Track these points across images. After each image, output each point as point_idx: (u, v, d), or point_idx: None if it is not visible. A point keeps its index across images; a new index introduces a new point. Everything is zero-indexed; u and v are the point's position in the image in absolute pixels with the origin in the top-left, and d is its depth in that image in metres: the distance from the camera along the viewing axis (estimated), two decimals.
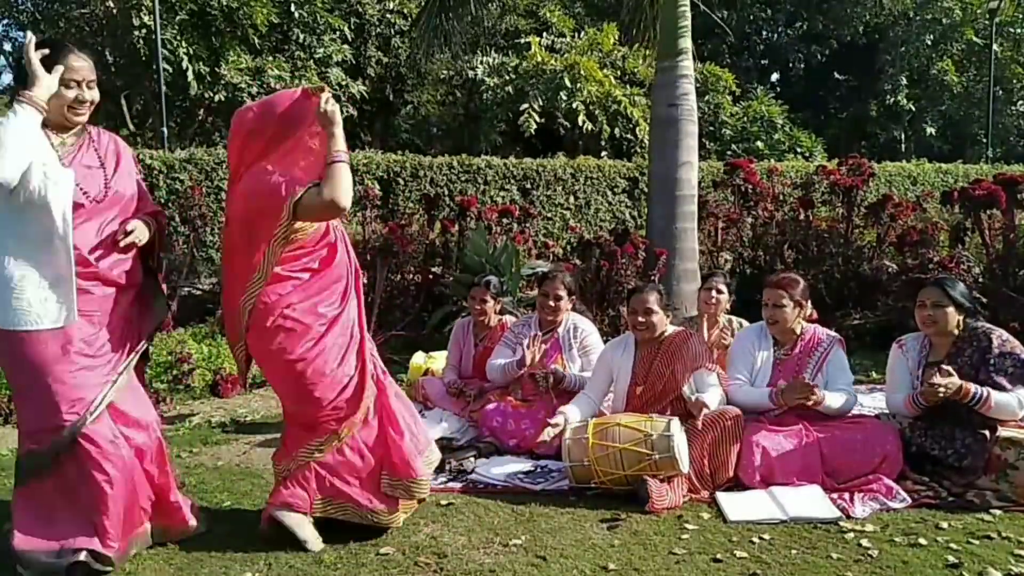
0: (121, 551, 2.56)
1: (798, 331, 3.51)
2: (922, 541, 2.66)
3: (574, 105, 12.16)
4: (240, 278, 2.65)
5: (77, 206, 2.50)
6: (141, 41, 11.02)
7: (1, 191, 2.38)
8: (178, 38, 11.07)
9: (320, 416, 2.70)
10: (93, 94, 2.57)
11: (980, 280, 5.99)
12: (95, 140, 2.67)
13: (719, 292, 4.31)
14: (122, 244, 2.57)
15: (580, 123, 12.20)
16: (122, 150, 2.73)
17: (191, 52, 11.16)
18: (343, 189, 2.56)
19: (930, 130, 21.36)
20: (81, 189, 2.52)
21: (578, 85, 12.34)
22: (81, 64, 2.53)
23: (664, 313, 3.57)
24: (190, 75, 11.14)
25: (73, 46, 2.57)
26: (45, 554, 2.48)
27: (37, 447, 2.50)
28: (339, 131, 2.63)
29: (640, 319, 3.54)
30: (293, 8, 12.27)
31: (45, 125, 2.51)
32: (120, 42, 11.77)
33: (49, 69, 2.45)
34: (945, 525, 2.80)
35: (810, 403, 3.27)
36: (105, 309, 2.58)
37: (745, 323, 4.34)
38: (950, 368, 3.09)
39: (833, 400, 3.33)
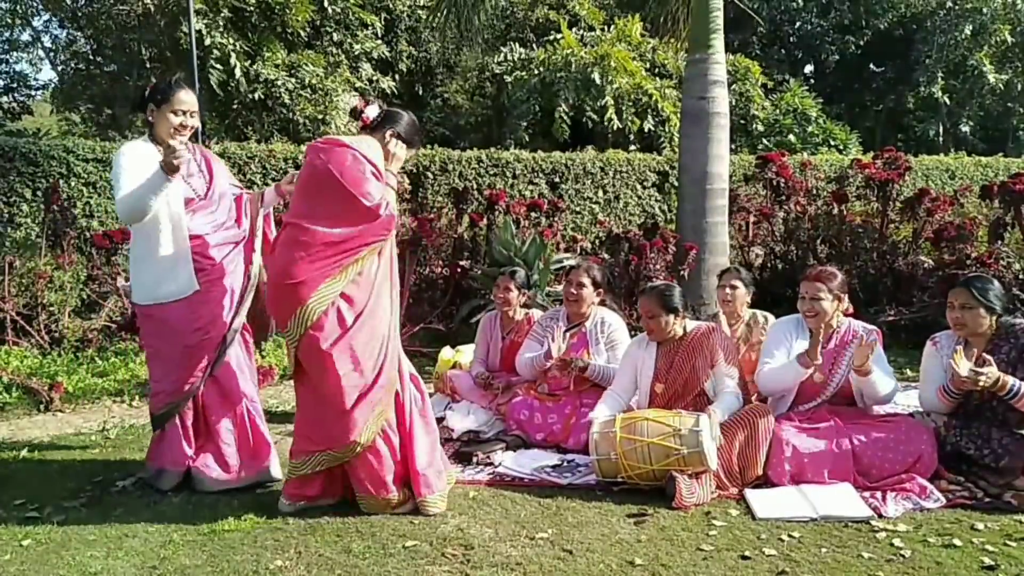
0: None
1: (834, 325, 3.47)
2: (957, 542, 2.62)
3: (605, 102, 12.07)
4: None
5: (187, 201, 3.20)
6: (188, 38, 11.17)
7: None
8: (225, 35, 11.18)
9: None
10: (195, 122, 3.24)
11: (1021, 277, 5.85)
12: (191, 152, 3.31)
13: (733, 288, 4.24)
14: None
15: (609, 119, 12.11)
16: (212, 160, 3.41)
17: (238, 49, 11.28)
18: None
19: (965, 129, 20.76)
20: (191, 187, 3.25)
21: (609, 78, 12.24)
22: (187, 98, 3.20)
23: (670, 315, 3.52)
24: (238, 73, 11.27)
25: (183, 83, 3.26)
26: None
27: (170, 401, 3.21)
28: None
29: (643, 322, 3.57)
30: (327, 4, 12.34)
31: (156, 143, 3.19)
32: (159, 40, 11.94)
33: (162, 102, 3.17)
34: (981, 526, 2.75)
35: (861, 370, 3.21)
36: (217, 287, 3.21)
37: (770, 317, 4.29)
38: (990, 358, 3.02)
39: (880, 380, 3.27)
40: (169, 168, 3.00)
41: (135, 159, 3.11)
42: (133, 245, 3.25)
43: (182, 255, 3.16)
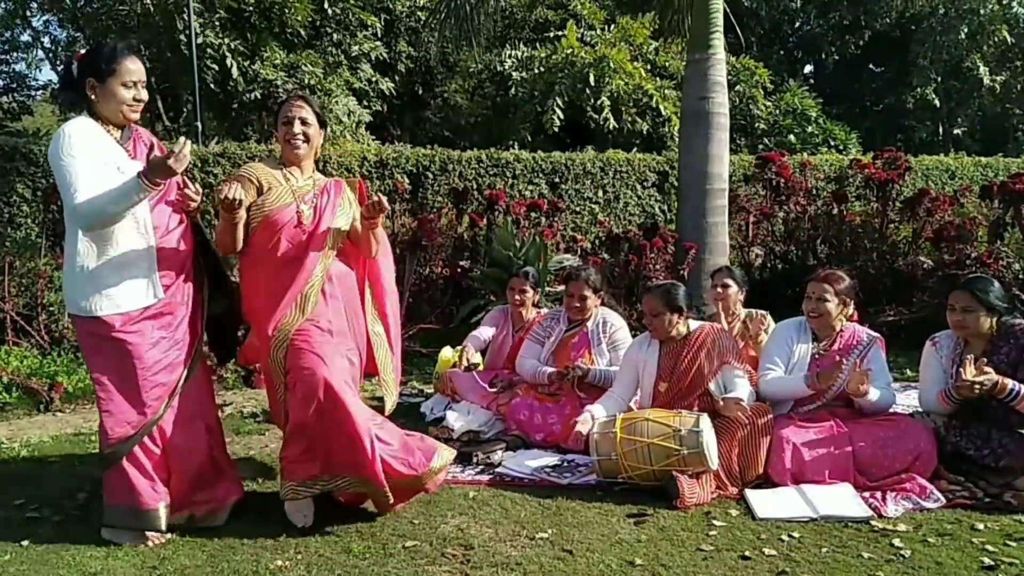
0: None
1: (838, 328, 3.46)
2: (957, 542, 2.61)
3: (599, 101, 12.08)
4: None
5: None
6: (184, 38, 11.18)
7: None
8: (220, 36, 11.18)
9: None
10: (145, 94, 2.77)
11: (1021, 276, 5.85)
12: (140, 135, 2.89)
13: (725, 287, 4.27)
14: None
15: (604, 118, 12.12)
16: (155, 142, 2.95)
17: (234, 48, 11.27)
18: None
19: (958, 132, 20.75)
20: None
21: (604, 79, 12.25)
22: (137, 67, 2.74)
23: (674, 314, 3.51)
24: (235, 72, 11.25)
25: (127, 49, 2.74)
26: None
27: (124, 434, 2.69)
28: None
29: (646, 320, 3.58)
30: (327, 5, 12.34)
31: (105, 122, 2.74)
32: (158, 39, 11.94)
33: (107, 74, 2.68)
34: (981, 526, 2.75)
35: (856, 393, 3.20)
36: (176, 292, 2.78)
37: (768, 315, 4.30)
38: (986, 361, 3.02)
39: (873, 394, 3.28)
40: (163, 174, 2.55)
41: (87, 148, 2.60)
42: (73, 239, 2.64)
43: (143, 253, 2.68)
